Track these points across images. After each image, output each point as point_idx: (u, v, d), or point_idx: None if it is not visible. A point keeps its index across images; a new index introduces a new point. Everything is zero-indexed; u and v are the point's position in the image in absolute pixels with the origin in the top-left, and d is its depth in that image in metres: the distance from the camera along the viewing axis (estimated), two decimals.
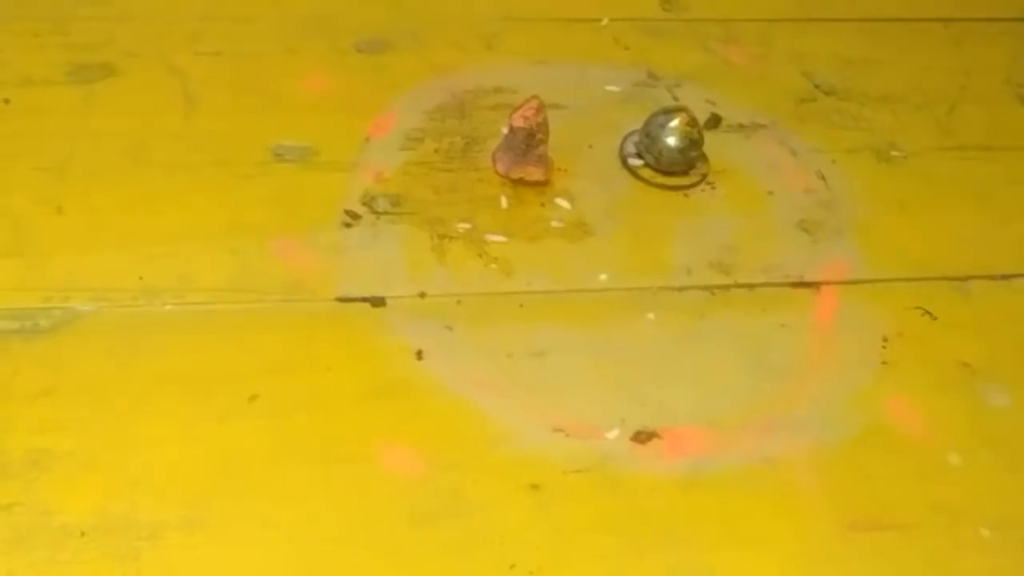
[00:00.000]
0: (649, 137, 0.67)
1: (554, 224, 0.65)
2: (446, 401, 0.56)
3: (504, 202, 0.65)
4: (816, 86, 0.75)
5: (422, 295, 0.60)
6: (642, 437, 0.56)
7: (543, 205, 0.66)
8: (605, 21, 0.77)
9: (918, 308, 0.63)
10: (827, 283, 0.64)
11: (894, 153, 0.72)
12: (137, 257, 0.60)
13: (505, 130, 0.66)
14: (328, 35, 0.73)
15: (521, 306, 0.61)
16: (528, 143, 0.65)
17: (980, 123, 0.74)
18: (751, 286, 0.63)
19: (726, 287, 0.63)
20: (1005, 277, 0.66)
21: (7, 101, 0.66)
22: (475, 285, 0.61)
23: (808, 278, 0.64)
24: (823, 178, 0.70)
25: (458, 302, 0.60)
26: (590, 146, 0.69)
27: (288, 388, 0.56)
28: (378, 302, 0.60)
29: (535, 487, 0.53)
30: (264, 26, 0.73)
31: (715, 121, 0.72)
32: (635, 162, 0.68)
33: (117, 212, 0.62)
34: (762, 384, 0.59)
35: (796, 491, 0.55)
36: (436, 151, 0.68)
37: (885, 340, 0.61)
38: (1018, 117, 0.75)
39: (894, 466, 0.56)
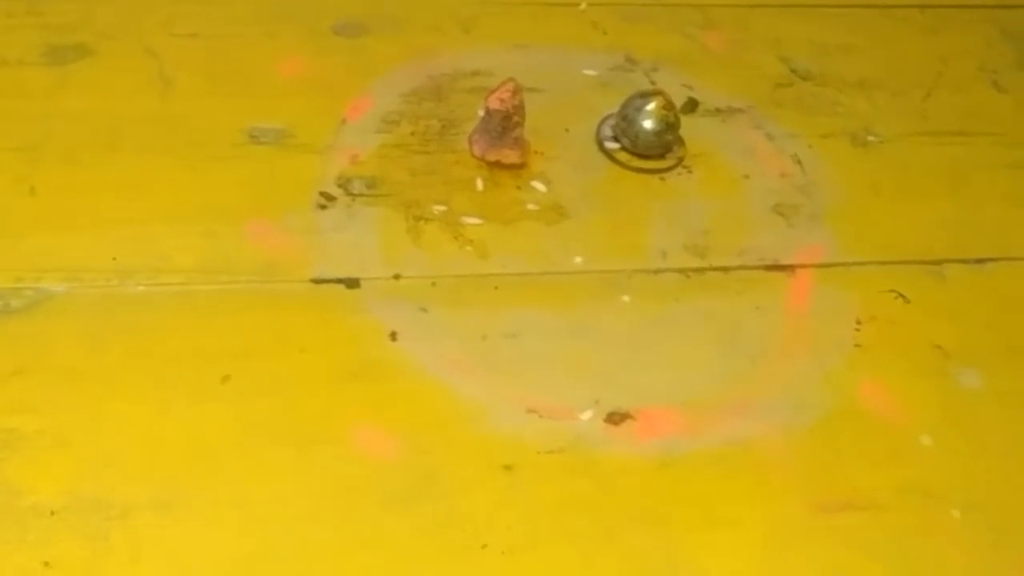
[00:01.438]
0: (626, 120, 0.67)
1: (530, 207, 0.65)
2: (420, 382, 0.56)
3: (480, 185, 0.65)
4: (793, 71, 0.75)
5: (397, 277, 0.60)
6: (616, 418, 0.56)
7: (519, 188, 0.66)
8: (583, 5, 0.77)
9: (892, 291, 0.63)
10: (802, 266, 0.64)
11: (870, 138, 0.72)
12: (110, 238, 0.59)
13: (481, 112, 0.66)
14: (305, 17, 0.73)
15: (496, 288, 0.61)
16: (504, 126, 0.64)
17: (956, 109, 0.75)
18: (726, 269, 0.63)
19: (701, 270, 0.63)
20: (979, 261, 0.66)
21: None
22: (450, 267, 0.61)
23: (783, 261, 0.64)
24: (799, 162, 0.70)
25: (433, 284, 0.60)
26: (567, 129, 0.69)
27: (261, 369, 0.55)
28: (353, 284, 0.60)
29: (508, 468, 0.53)
30: (241, 8, 0.73)
31: (692, 105, 0.72)
32: (612, 145, 0.68)
33: (91, 193, 0.61)
34: (736, 366, 0.59)
35: (768, 472, 0.55)
36: (412, 134, 0.67)
37: (859, 323, 0.62)
38: (993, 103, 0.75)
39: (866, 448, 0.56)
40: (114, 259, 0.59)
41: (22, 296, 0.57)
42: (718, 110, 0.72)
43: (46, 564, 0.48)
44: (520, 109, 0.64)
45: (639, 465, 0.54)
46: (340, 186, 0.64)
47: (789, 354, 0.60)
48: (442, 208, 0.64)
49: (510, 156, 0.66)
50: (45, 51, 0.68)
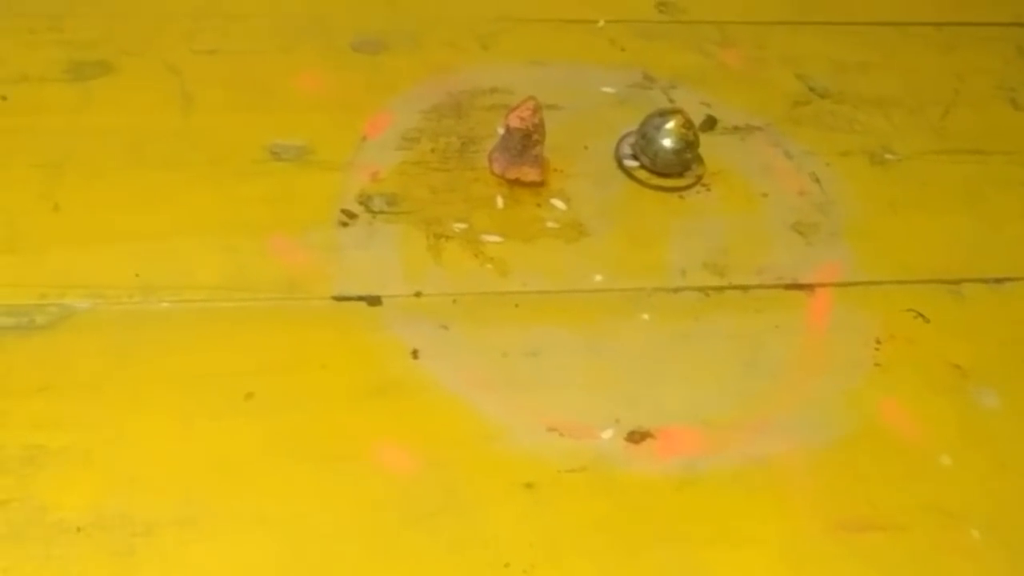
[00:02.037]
0: (645, 138, 0.68)
1: (550, 224, 0.65)
2: (441, 400, 0.56)
3: (500, 202, 0.66)
4: (811, 89, 0.75)
5: (418, 294, 0.61)
6: (636, 437, 0.56)
7: (539, 205, 0.66)
8: (601, 23, 0.78)
9: (911, 310, 0.64)
10: (821, 285, 0.64)
11: (888, 156, 0.72)
12: (133, 254, 0.60)
13: (501, 130, 0.66)
14: (325, 34, 0.74)
15: (517, 306, 0.61)
16: (524, 143, 0.65)
17: (973, 127, 0.75)
18: (745, 288, 0.64)
19: (720, 288, 0.63)
20: (997, 280, 0.66)
21: (4, 98, 0.66)
22: (471, 285, 0.61)
23: (802, 280, 0.64)
24: (817, 180, 0.70)
25: (454, 301, 0.61)
26: (586, 147, 0.69)
27: (284, 386, 0.56)
28: (374, 301, 0.60)
29: (529, 486, 0.54)
30: (261, 24, 0.73)
31: (710, 123, 0.72)
32: (631, 163, 0.69)
33: (114, 209, 0.62)
34: (755, 385, 0.59)
35: (788, 491, 0.55)
36: (432, 151, 0.68)
37: (878, 342, 0.62)
38: (1010, 121, 0.76)
39: (885, 467, 0.57)
40: (137, 275, 0.59)
41: (46, 312, 0.57)
42: (736, 128, 0.72)
43: None
44: (540, 127, 0.65)
45: (660, 483, 0.55)
46: (361, 203, 0.64)
47: (809, 373, 0.60)
48: (462, 226, 0.64)
49: (530, 174, 0.66)
50: (67, 67, 0.69)
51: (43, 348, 0.56)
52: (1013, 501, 0.56)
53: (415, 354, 0.58)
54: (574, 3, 0.79)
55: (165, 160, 0.65)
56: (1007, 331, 0.63)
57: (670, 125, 0.67)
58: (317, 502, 0.52)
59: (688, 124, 0.67)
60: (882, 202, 0.69)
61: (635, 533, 0.53)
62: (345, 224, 0.63)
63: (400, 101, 0.70)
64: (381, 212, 0.64)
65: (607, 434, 0.56)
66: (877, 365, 0.61)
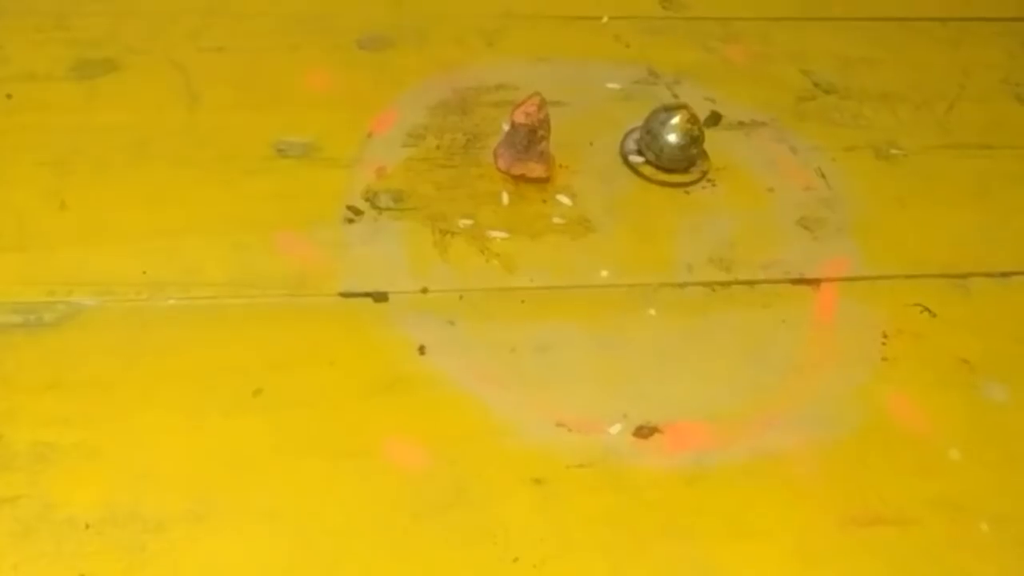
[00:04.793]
0: (650, 134, 0.68)
1: (555, 220, 0.65)
2: (449, 395, 0.56)
3: (505, 198, 0.66)
4: (816, 84, 0.75)
5: (424, 290, 0.61)
6: (644, 432, 0.56)
7: (544, 201, 0.66)
8: (605, 19, 0.78)
9: (918, 305, 0.63)
10: (827, 280, 0.64)
11: (893, 151, 0.72)
12: (141, 252, 0.60)
13: (507, 126, 0.66)
14: (331, 32, 0.74)
15: (523, 302, 0.61)
16: (530, 139, 0.65)
17: (979, 122, 0.75)
18: (752, 283, 0.64)
19: (727, 283, 0.63)
20: (1004, 275, 0.66)
21: (10, 96, 0.66)
22: (477, 281, 0.61)
23: (808, 275, 0.64)
24: (823, 176, 0.70)
25: (460, 297, 0.61)
26: (591, 143, 0.69)
27: (292, 382, 0.56)
28: (381, 297, 0.60)
29: (538, 481, 0.54)
30: (267, 22, 0.73)
31: (715, 119, 0.72)
32: (636, 159, 0.69)
33: (120, 207, 0.62)
34: (763, 380, 0.59)
35: (797, 486, 0.55)
36: (438, 147, 0.68)
37: (885, 337, 0.62)
38: (1016, 116, 0.76)
39: (894, 461, 0.56)
40: (144, 272, 0.59)
41: (54, 310, 0.57)
42: (741, 123, 0.72)
43: None
44: (545, 123, 0.65)
45: (668, 478, 0.55)
46: (367, 200, 0.64)
47: (816, 368, 0.60)
48: (468, 222, 0.64)
49: (535, 170, 0.66)
50: (73, 65, 0.69)
51: (51, 345, 0.56)
52: (1022, 494, 0.56)
53: (422, 350, 0.58)
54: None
55: (171, 157, 0.65)
56: (1014, 325, 0.63)
57: (675, 120, 0.67)
58: (326, 498, 0.52)
59: (693, 119, 0.67)
60: (888, 197, 0.69)
61: (644, 528, 0.53)
62: (351, 221, 0.63)
63: (406, 98, 0.70)
64: (387, 208, 0.64)
65: (615, 429, 0.56)
66: (884, 359, 0.61)
